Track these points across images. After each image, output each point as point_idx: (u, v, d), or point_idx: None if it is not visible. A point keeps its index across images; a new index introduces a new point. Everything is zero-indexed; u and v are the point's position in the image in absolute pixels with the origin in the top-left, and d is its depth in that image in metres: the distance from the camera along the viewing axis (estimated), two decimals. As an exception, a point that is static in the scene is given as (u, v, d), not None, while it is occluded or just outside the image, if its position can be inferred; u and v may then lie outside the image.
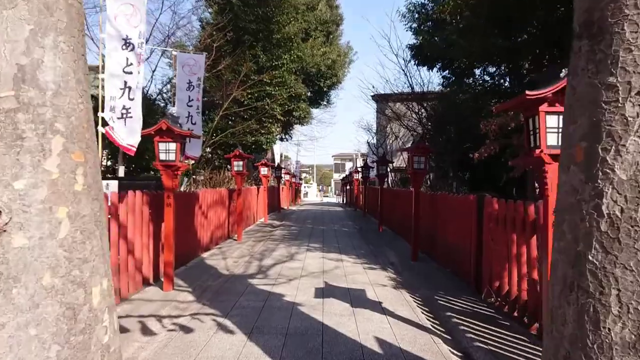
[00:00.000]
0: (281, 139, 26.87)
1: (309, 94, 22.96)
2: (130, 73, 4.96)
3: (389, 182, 23.01)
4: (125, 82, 4.92)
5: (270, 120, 16.19)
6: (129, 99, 4.96)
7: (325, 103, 24.57)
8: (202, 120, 9.50)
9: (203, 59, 7.64)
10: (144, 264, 5.75)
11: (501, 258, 5.01)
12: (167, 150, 5.42)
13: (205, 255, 8.18)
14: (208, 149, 14.47)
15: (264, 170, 14.92)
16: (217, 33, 13.32)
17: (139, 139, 5.25)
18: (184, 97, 7.20)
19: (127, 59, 4.92)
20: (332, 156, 71.42)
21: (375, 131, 22.29)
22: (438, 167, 13.02)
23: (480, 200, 5.70)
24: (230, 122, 14.64)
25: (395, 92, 15.58)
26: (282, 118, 17.00)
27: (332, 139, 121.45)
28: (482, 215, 5.63)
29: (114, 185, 7.89)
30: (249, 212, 13.43)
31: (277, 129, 20.81)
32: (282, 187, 23.30)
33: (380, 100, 23.46)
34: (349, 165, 48.46)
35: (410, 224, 9.26)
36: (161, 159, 5.43)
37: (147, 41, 10.19)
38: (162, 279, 5.75)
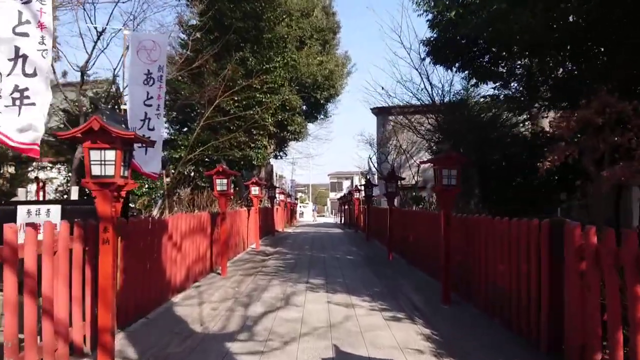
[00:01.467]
0: (275, 157, 25.26)
1: (304, 107, 21.41)
2: (26, 35, 3.24)
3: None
4: (18, 49, 3.20)
5: (261, 132, 14.39)
6: (25, 74, 3.23)
7: (322, 117, 23.00)
8: (171, 128, 7.77)
9: (165, 40, 5.86)
10: (74, 326, 3.99)
11: (609, 318, 3.29)
12: (102, 162, 3.69)
13: (177, 298, 6.40)
14: (192, 167, 12.72)
15: (254, 190, 13.20)
16: (201, 35, 11.72)
17: (41, 133, 3.51)
18: (140, 94, 5.39)
19: (20, 13, 3.21)
20: (328, 175, 70.01)
21: (378, 144, 20.60)
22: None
23: (556, 229, 3.99)
24: (215, 135, 12.77)
25: (410, 92, 13.74)
26: (274, 130, 15.21)
27: (328, 157, 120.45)
28: (560, 250, 3.92)
29: (55, 211, 6.12)
30: (238, 238, 11.66)
31: (271, 145, 19.15)
32: (277, 208, 21.55)
33: (382, 112, 21.93)
34: (346, 184, 46.87)
35: (433, 253, 7.53)
36: (94, 174, 3.69)
37: (103, 31, 8.53)
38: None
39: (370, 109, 23.57)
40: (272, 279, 7.94)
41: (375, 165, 19.54)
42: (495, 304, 5.23)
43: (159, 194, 10.23)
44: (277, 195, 21.71)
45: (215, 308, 5.88)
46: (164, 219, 6.49)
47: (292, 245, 14.36)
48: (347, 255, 11.77)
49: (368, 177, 18.19)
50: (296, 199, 41.65)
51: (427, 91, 11.53)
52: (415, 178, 16.61)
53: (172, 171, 9.77)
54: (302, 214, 50.59)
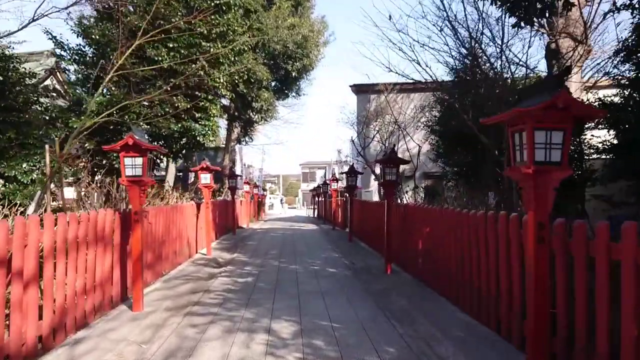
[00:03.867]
0: (239, 141, 22.02)
1: (272, 83, 18.20)
2: None
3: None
4: None
5: (210, 97, 10.93)
6: None
7: (293, 94, 19.83)
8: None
9: None
10: None
11: None
12: None
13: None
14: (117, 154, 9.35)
15: (205, 178, 10.02)
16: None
17: None
18: None
19: None
20: (300, 165, 67.10)
21: (359, 126, 17.48)
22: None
23: None
24: (140, 97, 9.08)
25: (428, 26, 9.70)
26: (228, 94, 11.74)
27: (300, 146, 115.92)
28: None
29: None
30: (179, 243, 8.49)
31: (235, 128, 15.86)
32: (241, 201, 18.36)
33: (362, 91, 18.95)
34: (319, 174, 43.89)
35: (479, 279, 4.58)
36: None
37: None
38: None
39: (350, 86, 20.59)
40: (211, 322, 4.84)
41: (359, 149, 16.51)
42: None
43: (56, 182, 6.95)
44: (241, 186, 18.53)
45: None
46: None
47: (255, 250, 11.24)
48: (329, 266, 8.74)
49: (352, 163, 15.20)
50: (264, 190, 38.45)
51: (451, 25, 8.01)
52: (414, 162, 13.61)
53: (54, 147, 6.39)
54: (272, 206, 47.49)
